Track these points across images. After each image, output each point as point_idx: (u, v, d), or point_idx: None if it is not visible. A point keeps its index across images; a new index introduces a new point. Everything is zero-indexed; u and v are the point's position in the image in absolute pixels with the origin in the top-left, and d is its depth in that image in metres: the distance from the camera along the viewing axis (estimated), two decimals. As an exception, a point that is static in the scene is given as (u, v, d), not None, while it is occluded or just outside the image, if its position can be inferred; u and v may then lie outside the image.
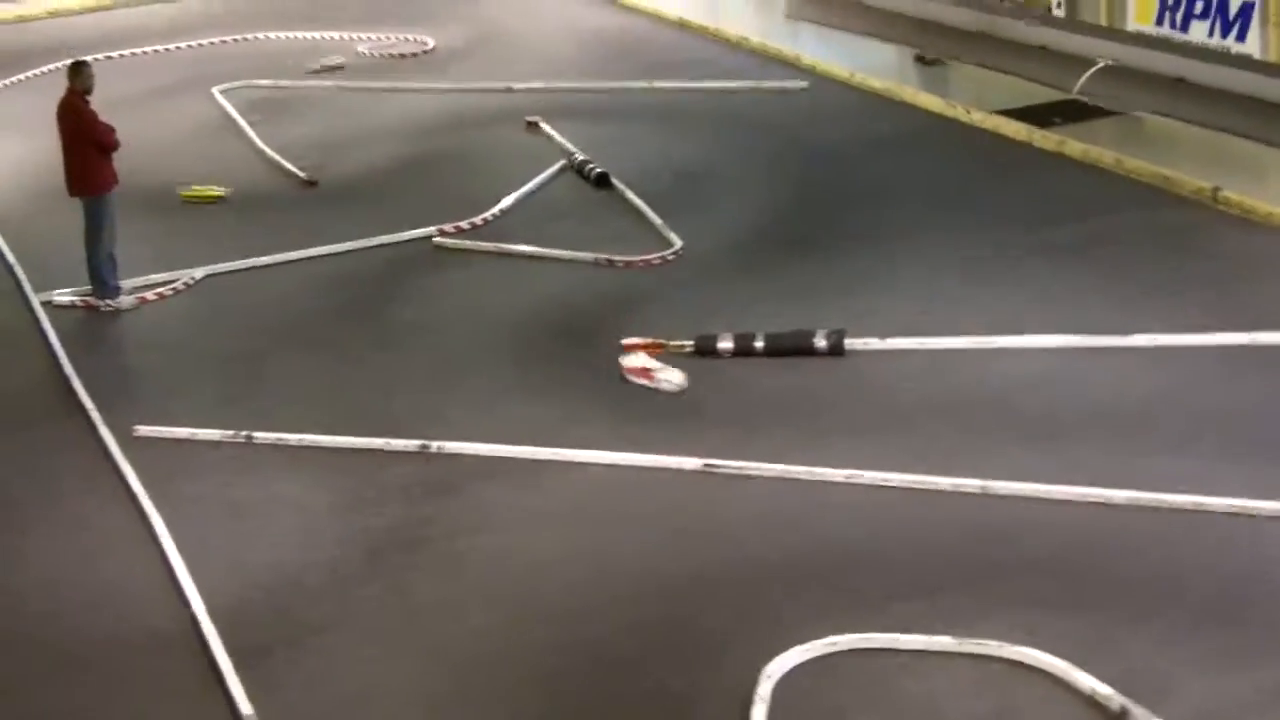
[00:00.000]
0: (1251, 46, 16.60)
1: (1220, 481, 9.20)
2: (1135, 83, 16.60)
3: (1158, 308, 11.73)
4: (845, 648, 7.96)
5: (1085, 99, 16.71)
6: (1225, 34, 16.82)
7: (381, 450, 10.44)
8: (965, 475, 9.47)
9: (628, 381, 11.10)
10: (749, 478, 9.75)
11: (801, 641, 7.96)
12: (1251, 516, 8.90)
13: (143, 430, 10.88)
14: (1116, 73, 16.84)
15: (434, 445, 10.38)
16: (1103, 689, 7.41)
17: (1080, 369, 10.98)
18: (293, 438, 10.66)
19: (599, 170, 15.61)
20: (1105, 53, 17.16)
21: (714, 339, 11.53)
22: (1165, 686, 7.45)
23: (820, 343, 11.36)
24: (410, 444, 10.42)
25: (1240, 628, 7.95)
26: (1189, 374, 10.77)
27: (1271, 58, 16.45)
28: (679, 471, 9.89)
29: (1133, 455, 9.67)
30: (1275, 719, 7.27)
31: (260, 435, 10.70)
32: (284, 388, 11.64)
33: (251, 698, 7.90)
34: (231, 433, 10.75)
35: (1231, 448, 9.70)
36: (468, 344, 12.17)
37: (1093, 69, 16.88)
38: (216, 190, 15.84)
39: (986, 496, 9.33)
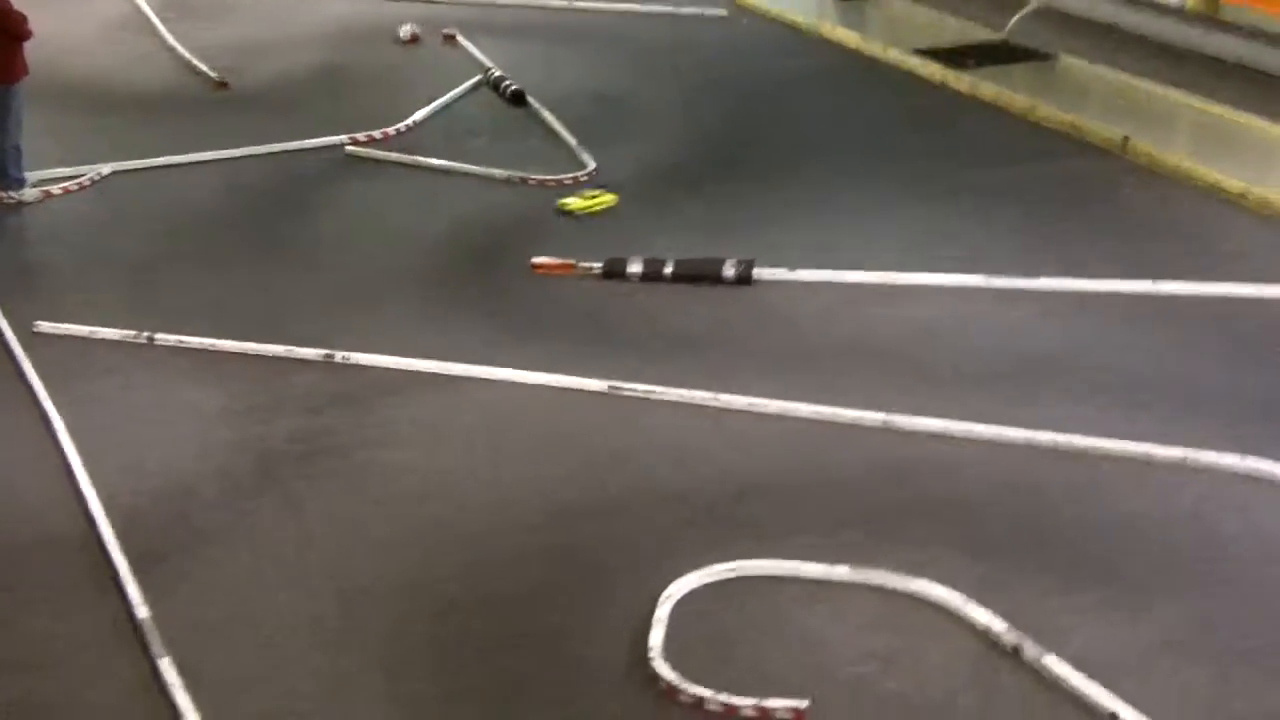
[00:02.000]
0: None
1: (1120, 427, 9.32)
2: (1066, 27, 16.65)
3: (1062, 254, 11.85)
4: (744, 574, 8.02)
5: (1013, 41, 16.77)
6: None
7: (285, 358, 10.35)
8: (868, 409, 9.55)
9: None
10: (653, 402, 9.77)
11: (701, 567, 8.01)
12: (1149, 463, 9.03)
13: (43, 326, 10.72)
14: (1047, 16, 16.87)
15: (339, 355, 10.30)
16: (998, 624, 7.52)
17: (985, 311, 11.07)
18: (195, 341, 10.54)
19: (515, 88, 15.51)
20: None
21: (624, 262, 11.53)
22: (1056, 628, 7.55)
23: (729, 271, 11.39)
24: (315, 353, 10.34)
25: (1132, 575, 8.07)
26: (1092, 321, 10.89)
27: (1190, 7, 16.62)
28: (583, 393, 9.89)
29: (1035, 397, 9.78)
30: (1160, 666, 7.39)
31: (161, 337, 10.57)
32: (188, 291, 11.49)
33: (147, 602, 7.85)
34: (133, 333, 10.61)
35: (1131, 394, 9.83)
36: (378, 257, 12.07)
37: (1025, 10, 16.91)
38: (605, 197, 12.97)
39: (888, 432, 9.40)
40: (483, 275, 11.68)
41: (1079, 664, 7.26)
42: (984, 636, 7.53)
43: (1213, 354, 10.44)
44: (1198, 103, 15.10)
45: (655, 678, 7.26)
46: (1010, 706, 7.15)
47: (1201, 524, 8.53)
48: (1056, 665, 7.25)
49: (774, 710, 7.04)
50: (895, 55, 16.90)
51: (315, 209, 13.01)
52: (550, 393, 9.95)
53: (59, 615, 7.91)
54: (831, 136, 14.70)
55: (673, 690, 7.18)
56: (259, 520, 8.67)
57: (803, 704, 7.05)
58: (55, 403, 9.75)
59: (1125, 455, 9.10)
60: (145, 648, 7.55)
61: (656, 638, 7.50)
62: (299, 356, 10.34)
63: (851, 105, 15.73)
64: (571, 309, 11.09)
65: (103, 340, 10.61)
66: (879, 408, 9.56)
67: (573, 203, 12.62)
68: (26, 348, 10.46)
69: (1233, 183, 13.08)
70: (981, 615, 7.61)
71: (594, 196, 12.77)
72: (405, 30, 17.78)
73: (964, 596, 7.74)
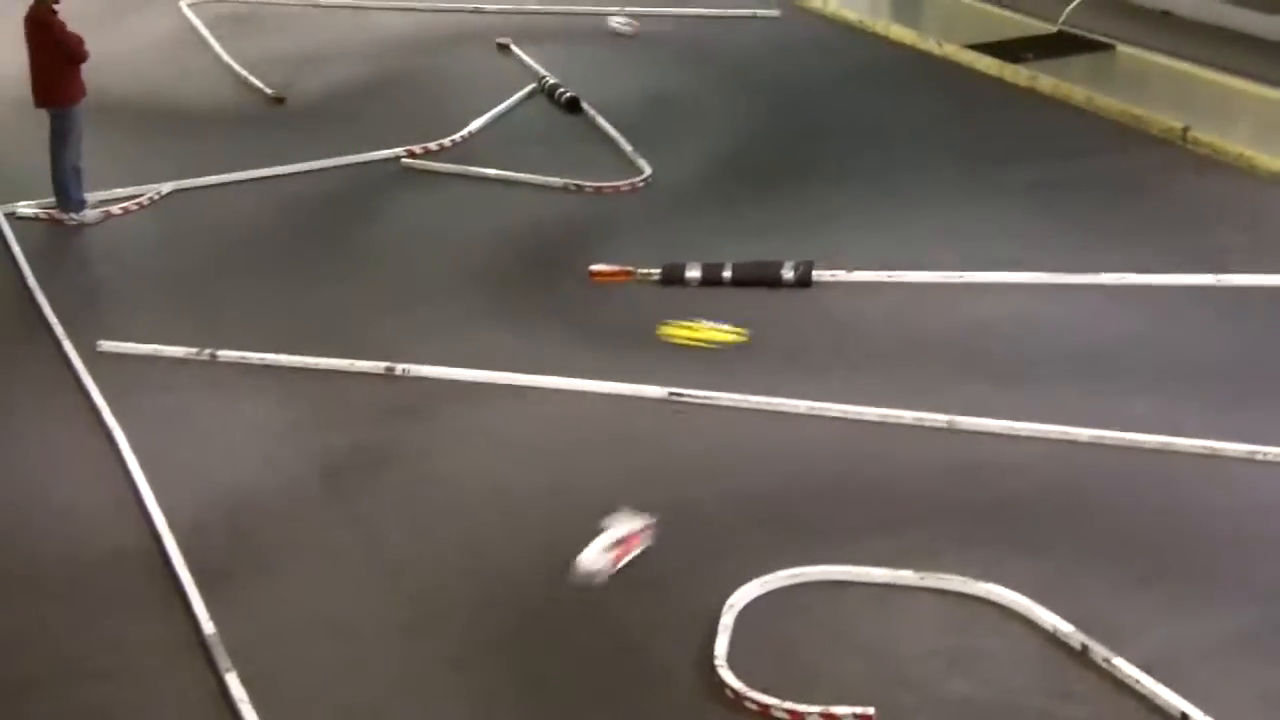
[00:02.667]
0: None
1: (1186, 423, 9.24)
2: (1121, 13, 16.48)
3: (1125, 247, 11.74)
4: (809, 580, 7.99)
5: (1069, 29, 16.62)
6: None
7: (346, 371, 10.39)
8: (931, 410, 9.49)
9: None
10: (713, 407, 9.75)
11: (765, 573, 7.99)
12: (1216, 458, 8.94)
13: (106, 346, 10.80)
14: (1100, 4, 16.69)
15: (399, 368, 10.34)
16: (1064, 626, 7.46)
17: (1047, 307, 11.00)
18: (256, 357, 10.60)
19: (569, 94, 15.51)
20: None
21: (682, 267, 11.50)
22: (1124, 628, 7.50)
23: (788, 274, 11.35)
24: (376, 366, 10.38)
25: (1201, 572, 8.01)
26: (1156, 314, 10.80)
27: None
28: (644, 400, 9.88)
29: (1099, 394, 9.70)
30: (1230, 665, 7.32)
31: (224, 353, 10.63)
32: (249, 307, 11.55)
33: (213, 617, 7.89)
34: (195, 350, 10.68)
35: (1197, 389, 9.74)
36: (435, 267, 12.10)
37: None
38: (717, 333, 10.71)
39: (952, 432, 9.35)
40: (541, 284, 11.69)
41: (1148, 664, 7.20)
42: (1051, 637, 7.48)
43: (1276, 344, 10.32)
44: (1257, 90, 14.94)
45: (722, 684, 7.25)
46: (1079, 708, 7.09)
47: (1273, 519, 8.44)
48: (1125, 666, 7.18)
49: (841, 717, 7.01)
50: (951, 50, 16.80)
51: (372, 222, 13.05)
52: (611, 400, 9.94)
53: (128, 627, 8.00)
54: (888, 134, 14.62)
55: (739, 697, 7.16)
56: (325, 533, 8.72)
57: (870, 710, 7.01)
58: (120, 420, 9.83)
59: (1191, 451, 9.01)
60: (212, 662, 7.60)
61: (722, 645, 7.48)
62: (360, 370, 10.38)
63: (908, 102, 15.65)
64: (630, 316, 11.08)
65: (166, 358, 10.68)
66: (941, 408, 9.51)
67: (677, 331, 10.70)
68: (90, 367, 10.54)
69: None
70: (1048, 616, 7.55)
71: (701, 330, 10.66)
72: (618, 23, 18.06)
73: (1030, 598, 7.68)
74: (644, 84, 16.28)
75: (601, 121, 14.92)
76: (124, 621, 8.03)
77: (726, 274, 11.40)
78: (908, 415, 9.48)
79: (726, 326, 10.66)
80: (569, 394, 10.02)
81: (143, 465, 9.31)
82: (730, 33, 18.10)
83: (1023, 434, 9.27)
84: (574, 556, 8.25)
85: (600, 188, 13.36)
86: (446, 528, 8.70)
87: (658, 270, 11.54)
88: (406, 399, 10.06)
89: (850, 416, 9.56)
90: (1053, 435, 9.23)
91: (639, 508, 8.69)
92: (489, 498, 8.96)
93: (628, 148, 14.20)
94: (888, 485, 8.89)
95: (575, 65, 16.71)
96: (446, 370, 10.31)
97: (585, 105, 15.30)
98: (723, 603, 7.78)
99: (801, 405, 9.67)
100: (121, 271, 12.44)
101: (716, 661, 7.37)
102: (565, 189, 13.41)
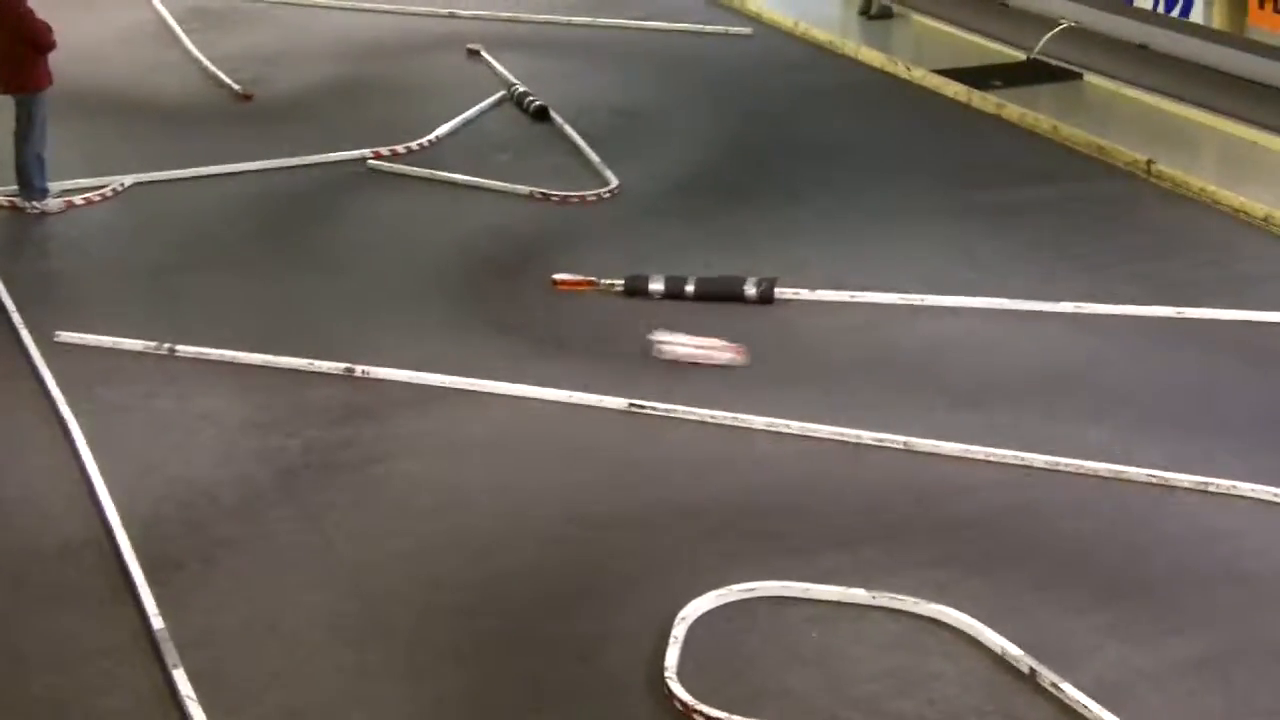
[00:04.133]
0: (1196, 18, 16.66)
1: (1138, 452, 9.31)
2: (1096, 44, 16.53)
3: (1086, 277, 11.81)
4: (761, 595, 8.01)
5: (1041, 57, 16.67)
6: (1170, 8, 16.85)
7: (305, 371, 10.36)
8: (888, 431, 9.52)
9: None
10: (673, 420, 9.76)
11: (718, 587, 8.00)
12: (1168, 488, 9.00)
13: (64, 336, 10.74)
14: (1076, 35, 16.73)
15: (359, 369, 10.31)
16: (1013, 649, 7.49)
17: (1006, 333, 11.05)
18: (215, 353, 10.56)
19: (538, 103, 15.51)
20: (1065, 13, 16.91)
21: (645, 279, 11.51)
22: (1073, 652, 7.53)
23: (750, 290, 11.38)
24: (335, 366, 10.35)
25: (1149, 599, 8.05)
26: (1113, 344, 10.86)
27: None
28: (604, 410, 9.89)
29: (1054, 421, 9.75)
30: (1177, 692, 7.36)
31: (183, 348, 10.59)
32: (209, 303, 11.51)
33: (162, 612, 7.85)
34: (154, 344, 10.63)
35: (1151, 419, 9.80)
36: (398, 271, 12.08)
37: (1055, 29, 16.82)
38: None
39: (909, 453, 9.39)
40: (504, 291, 11.68)
41: (1095, 689, 7.23)
42: (1000, 660, 7.50)
43: (1233, 378, 10.41)
44: (1223, 124, 15.04)
45: (671, 697, 7.24)
46: (1028, 726, 7.13)
47: (1220, 549, 8.50)
48: (1073, 691, 7.21)
49: None
50: (920, 75, 16.87)
51: (337, 222, 13.03)
52: (570, 409, 9.94)
53: (79, 620, 7.96)
54: (854, 155, 14.66)
55: (688, 710, 7.15)
56: (278, 529, 8.70)
57: None
58: (75, 411, 9.78)
59: (1144, 480, 9.06)
60: (160, 657, 7.56)
61: (673, 657, 7.48)
62: (319, 370, 10.35)
63: (875, 124, 15.70)
64: (592, 326, 11.09)
65: (124, 351, 10.63)
66: (899, 429, 9.54)
67: None
68: (47, 357, 10.49)
69: (1257, 206, 13.03)
70: (997, 639, 7.58)
71: None
72: None
73: (980, 620, 7.71)
74: (614, 95, 16.30)
75: (570, 131, 14.93)
76: (74, 614, 7.99)
77: (689, 288, 11.42)
78: (866, 435, 9.52)
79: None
80: (527, 401, 10.02)
81: (96, 458, 9.27)
82: (702, 48, 18.13)
83: (978, 457, 9.31)
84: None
85: (566, 197, 13.36)
86: (399, 531, 8.68)
87: (621, 281, 11.55)
88: (365, 400, 10.03)
89: (808, 434, 9.58)
90: (1008, 460, 9.27)
91: (594, 517, 8.70)
92: (443, 503, 8.95)
93: (595, 158, 14.20)
94: (843, 503, 8.91)
95: (546, 74, 16.71)
96: (406, 373, 10.29)
97: (554, 114, 15.31)
98: (675, 614, 7.77)
99: (760, 421, 9.69)
100: (82, 262, 12.38)
101: (666, 674, 7.37)
102: (531, 197, 13.41)
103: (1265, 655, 7.63)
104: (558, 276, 11.65)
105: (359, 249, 12.54)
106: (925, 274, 11.82)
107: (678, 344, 10.41)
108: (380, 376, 10.27)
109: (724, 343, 10.42)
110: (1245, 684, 7.42)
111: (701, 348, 10.42)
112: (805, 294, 11.47)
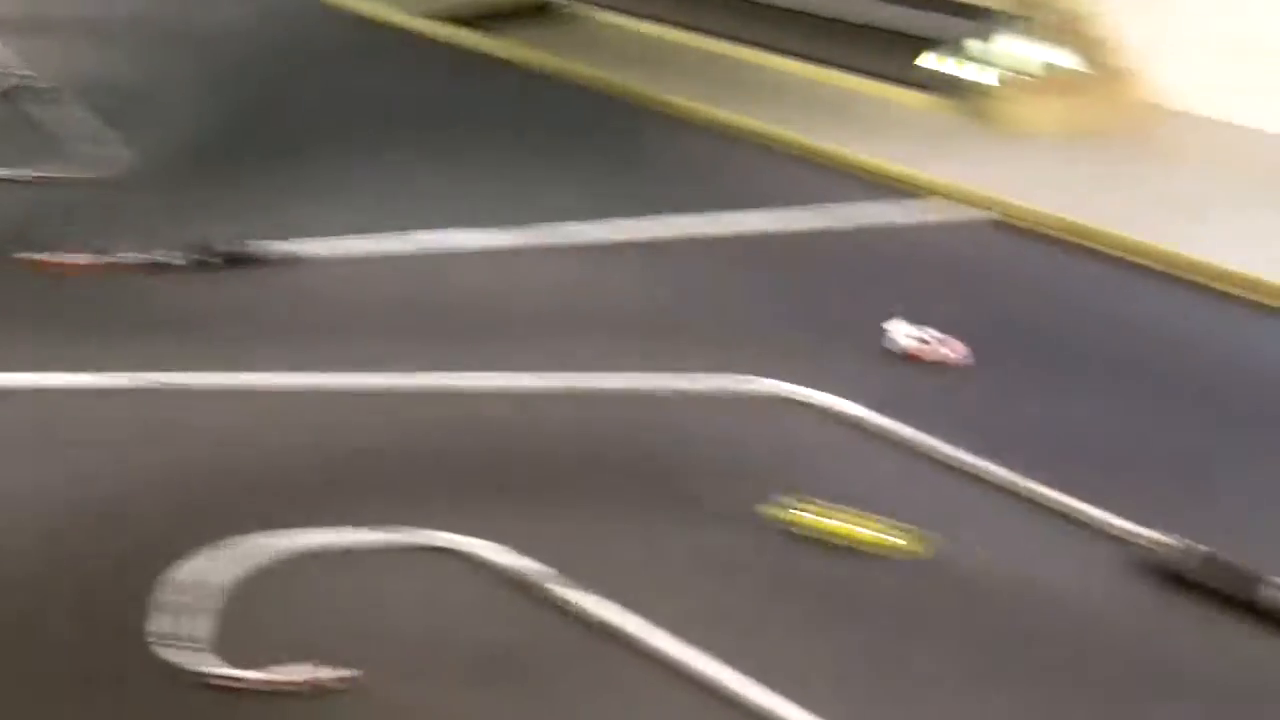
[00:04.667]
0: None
1: (642, 362, 9.63)
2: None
3: (590, 202, 12.09)
4: (277, 551, 7.87)
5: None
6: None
7: None
8: (398, 374, 9.54)
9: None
10: (182, 390, 9.49)
11: (233, 548, 7.83)
12: (680, 397, 9.34)
13: None
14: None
15: None
16: (533, 567, 7.63)
17: (515, 269, 11.22)
18: None
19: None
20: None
21: (136, 253, 11.07)
22: (588, 564, 7.68)
23: (239, 250, 11.11)
24: None
25: (648, 506, 8.33)
26: (618, 265, 11.19)
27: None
28: (108, 390, 9.54)
29: (564, 344, 9.96)
30: (702, 582, 7.68)
31: None
32: None
33: None
34: None
35: (653, 334, 10.15)
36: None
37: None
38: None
39: (419, 394, 9.42)
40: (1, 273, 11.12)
41: (610, 596, 7.42)
42: (521, 581, 7.61)
43: (730, 286, 10.85)
44: (717, 46, 15.57)
45: (195, 668, 7.02)
46: (551, 648, 7.25)
47: (715, 447, 8.87)
48: (589, 601, 7.39)
49: (324, 681, 6.90)
50: (421, 23, 16.92)
51: None
52: (72, 395, 9.56)
53: None
54: (365, 110, 14.63)
55: (216, 679, 6.97)
56: None
57: (352, 672, 6.93)
58: None
59: (637, 390, 9.38)
60: None
61: (203, 627, 7.26)
62: None
63: (384, 76, 15.70)
64: (79, 305, 10.58)
65: None
66: (405, 370, 9.54)
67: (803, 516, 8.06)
68: None
69: (751, 122, 13.58)
70: (518, 561, 7.69)
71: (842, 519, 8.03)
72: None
73: (502, 546, 7.80)
74: (118, 69, 15.79)
75: (64, 108, 14.38)
76: None
77: (180, 261, 11.09)
78: (376, 379, 9.50)
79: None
80: (28, 391, 9.57)
81: None
82: (195, 12, 17.76)
83: (485, 388, 9.42)
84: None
85: (68, 178, 12.82)
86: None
87: (127, 256, 11.12)
88: None
89: (318, 387, 9.48)
90: (515, 387, 9.42)
91: (66, 505, 8.39)
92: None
93: (95, 133, 13.69)
94: (358, 451, 8.88)
95: (53, 55, 16.02)
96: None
97: (49, 93, 14.66)
98: (203, 585, 7.54)
99: (265, 379, 9.50)
100: None
101: (197, 647, 7.14)
102: (35, 181, 12.76)
103: (758, 545, 7.99)
104: (47, 257, 11.05)
105: None
106: (429, 220, 11.78)
107: None
108: None
109: None
110: (744, 572, 7.83)
111: None
112: (316, 250, 11.34)
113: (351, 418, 9.25)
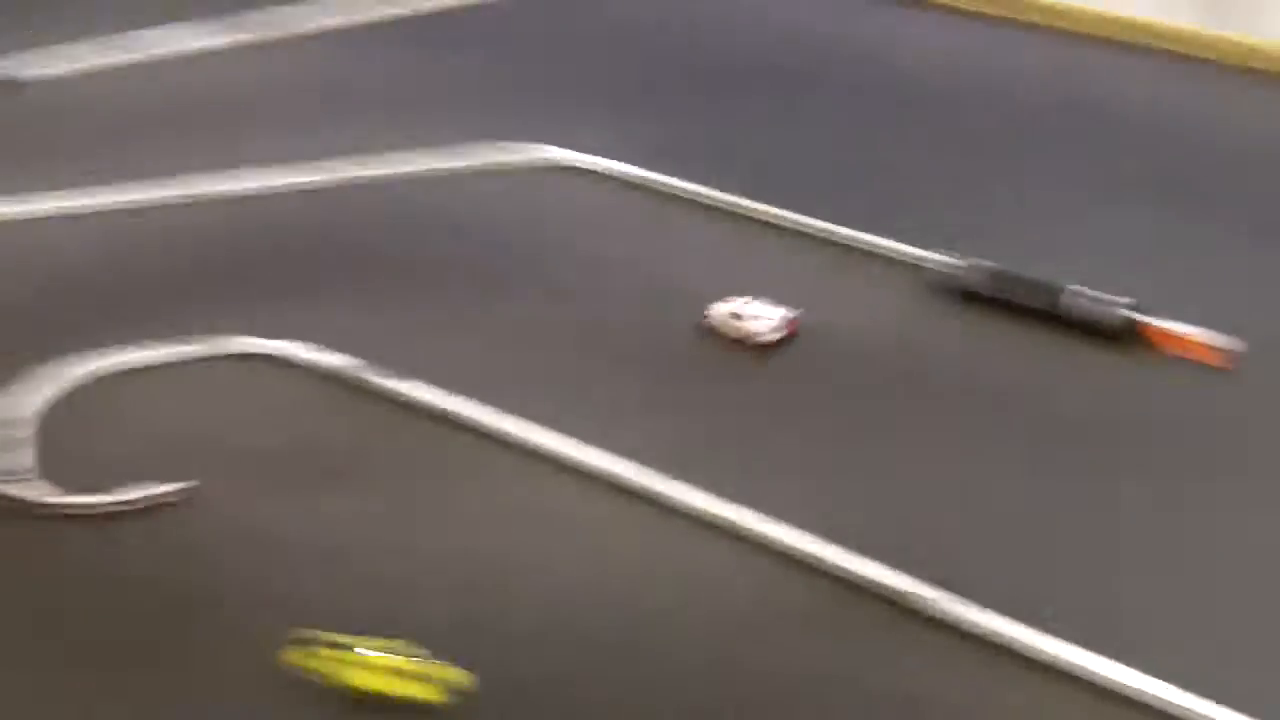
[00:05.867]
0: None
1: (387, 145, 9.84)
2: None
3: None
4: (80, 374, 7.77)
5: None
6: None
7: None
8: (162, 184, 9.47)
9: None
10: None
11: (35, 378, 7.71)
12: (433, 178, 9.57)
13: None
14: None
15: None
16: (342, 361, 7.81)
17: (244, 66, 11.21)
18: None
19: None
20: None
21: None
22: (396, 349, 7.89)
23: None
24: None
25: (451, 288, 8.62)
26: (362, 57, 11.28)
27: None
28: None
29: (323, 135, 10.04)
30: (493, 363, 7.93)
31: None
32: None
33: None
34: None
35: (394, 112, 10.44)
36: None
37: None
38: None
39: (193, 203, 9.39)
40: None
41: (413, 374, 7.66)
42: (335, 375, 7.77)
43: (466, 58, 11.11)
44: None
45: (30, 500, 6.90)
46: (386, 440, 7.41)
47: (514, 218, 9.18)
48: (400, 385, 7.62)
49: (162, 497, 6.87)
50: None
51: None
52: None
53: None
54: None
55: (49, 507, 6.87)
56: None
57: (190, 483, 6.93)
58: None
59: (420, 173, 9.59)
60: None
61: (27, 459, 7.15)
62: None
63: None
64: None
65: None
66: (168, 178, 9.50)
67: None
68: None
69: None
70: (329, 358, 7.85)
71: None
72: None
73: (311, 344, 7.93)
74: None
75: None
76: None
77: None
78: (125, 196, 9.37)
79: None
80: None
81: None
82: None
83: (245, 192, 9.46)
84: None
85: None
86: None
87: None
88: None
89: (93, 208, 9.33)
90: (275, 188, 9.48)
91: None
92: None
93: None
94: (146, 267, 8.83)
95: None
96: None
97: None
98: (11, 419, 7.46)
99: (20, 208, 9.30)
100: None
101: (25, 477, 7.04)
102: None
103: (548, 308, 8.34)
104: None
105: None
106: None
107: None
108: None
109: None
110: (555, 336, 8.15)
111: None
112: (49, 68, 11.04)
113: (128, 235, 9.19)
